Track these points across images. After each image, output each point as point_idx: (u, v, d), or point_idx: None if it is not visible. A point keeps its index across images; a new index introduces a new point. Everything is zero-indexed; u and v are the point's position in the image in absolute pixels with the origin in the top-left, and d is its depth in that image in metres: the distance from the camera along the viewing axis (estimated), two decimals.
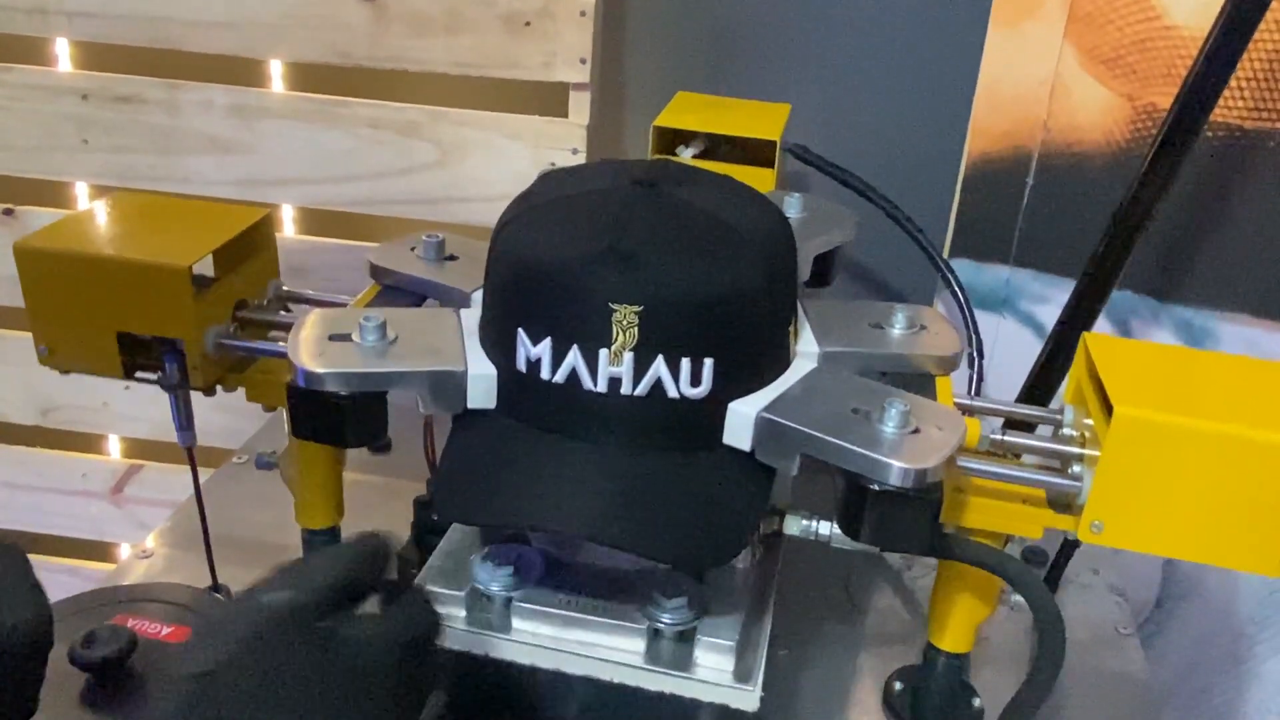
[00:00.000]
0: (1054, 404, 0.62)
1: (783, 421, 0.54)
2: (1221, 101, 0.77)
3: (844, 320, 0.66)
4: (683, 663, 0.57)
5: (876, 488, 0.51)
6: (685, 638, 0.57)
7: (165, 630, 0.62)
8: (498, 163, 1.05)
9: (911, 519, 0.52)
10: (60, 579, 1.31)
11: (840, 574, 0.86)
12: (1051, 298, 0.97)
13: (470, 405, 0.57)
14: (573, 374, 0.52)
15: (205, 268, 0.66)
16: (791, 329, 0.60)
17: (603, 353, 0.52)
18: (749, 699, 0.56)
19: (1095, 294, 0.82)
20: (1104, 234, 0.80)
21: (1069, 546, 0.78)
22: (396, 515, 0.82)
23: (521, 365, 0.54)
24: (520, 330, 0.54)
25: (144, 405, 1.22)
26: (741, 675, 0.57)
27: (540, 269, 0.54)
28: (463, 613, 0.58)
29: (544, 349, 0.53)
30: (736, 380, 0.54)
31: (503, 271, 0.57)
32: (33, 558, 0.47)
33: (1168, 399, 0.55)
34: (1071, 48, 0.89)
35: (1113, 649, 0.80)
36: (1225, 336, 0.96)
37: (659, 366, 0.52)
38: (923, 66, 0.97)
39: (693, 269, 0.53)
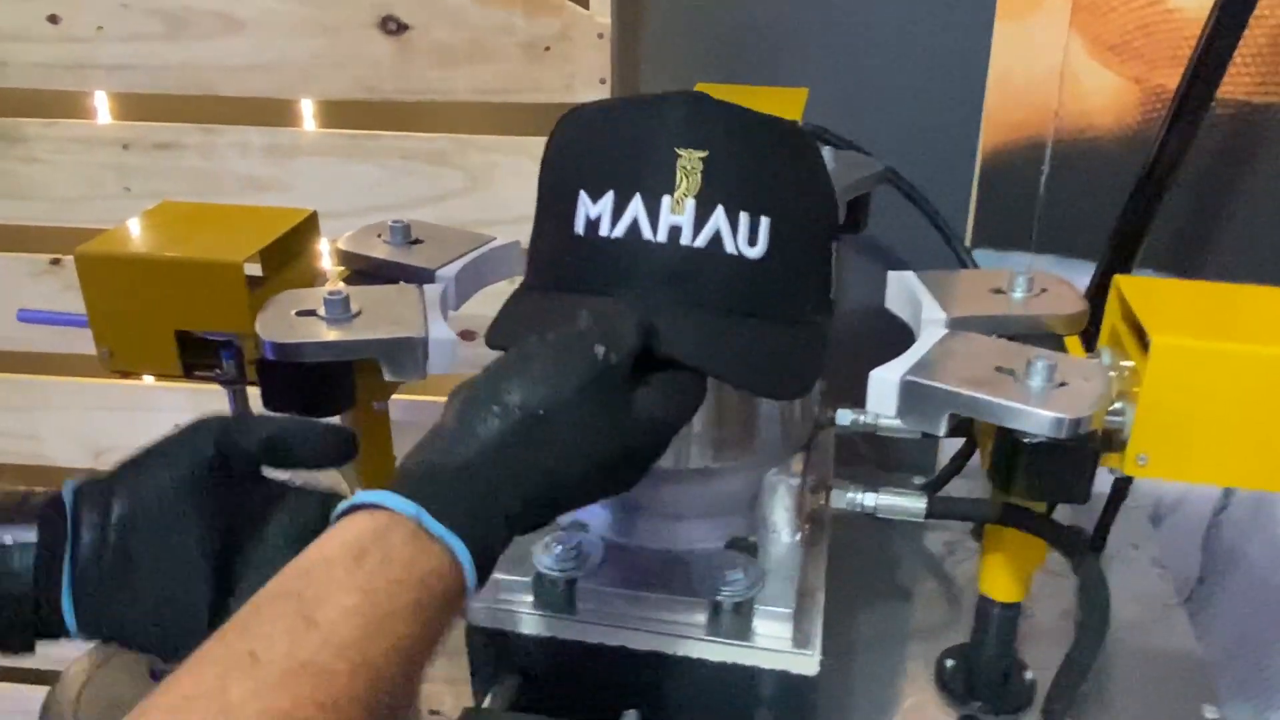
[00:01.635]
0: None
1: (929, 383, 0.54)
2: (1228, 78, 0.80)
3: (964, 287, 0.67)
4: (743, 632, 0.58)
5: (1030, 440, 0.52)
6: (743, 609, 0.58)
7: None
8: (525, 185, 1.07)
9: (1069, 469, 0.53)
10: None
11: (885, 562, 0.87)
12: (1073, 282, 0.98)
13: (431, 371, 0.60)
14: (633, 225, 0.53)
15: (254, 269, 0.69)
16: (835, 255, 0.60)
17: (665, 199, 0.52)
18: (809, 664, 0.58)
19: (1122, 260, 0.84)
20: (1123, 208, 0.81)
21: (1109, 514, 0.79)
22: None
23: (580, 228, 0.54)
24: (581, 192, 0.54)
25: None
26: (800, 641, 0.58)
27: (606, 122, 0.56)
28: (530, 597, 0.61)
29: (605, 204, 0.53)
30: (791, 252, 0.55)
31: (566, 142, 0.58)
32: None
33: (1204, 327, 0.55)
34: (1078, 36, 0.91)
35: (1161, 622, 0.81)
36: None
37: (719, 217, 0.53)
38: (933, 65, 0.99)
39: (756, 122, 0.54)
